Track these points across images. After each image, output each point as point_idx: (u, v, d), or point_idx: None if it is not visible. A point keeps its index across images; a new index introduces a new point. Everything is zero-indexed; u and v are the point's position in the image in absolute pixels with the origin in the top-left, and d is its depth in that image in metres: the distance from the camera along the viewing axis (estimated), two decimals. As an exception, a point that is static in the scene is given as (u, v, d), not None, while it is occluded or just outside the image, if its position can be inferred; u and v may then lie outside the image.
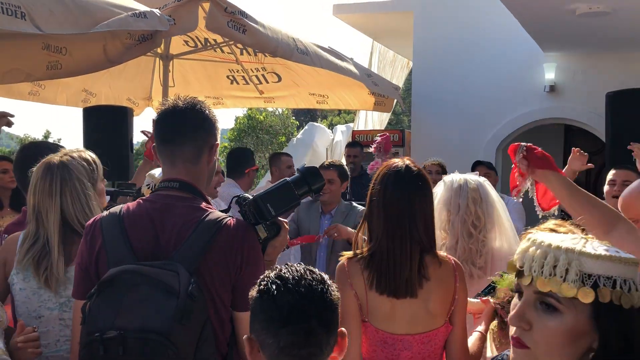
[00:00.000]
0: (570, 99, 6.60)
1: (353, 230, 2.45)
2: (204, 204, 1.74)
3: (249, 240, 1.69)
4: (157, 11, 3.15)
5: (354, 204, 3.21)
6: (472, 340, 2.06)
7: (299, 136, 12.37)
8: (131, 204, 1.75)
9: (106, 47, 3.01)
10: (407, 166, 1.97)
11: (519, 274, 1.12)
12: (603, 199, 3.74)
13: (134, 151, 5.19)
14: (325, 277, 1.27)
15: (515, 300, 1.14)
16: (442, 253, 2.01)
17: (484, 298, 2.17)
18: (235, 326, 1.68)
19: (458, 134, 6.86)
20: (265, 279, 1.26)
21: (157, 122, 1.80)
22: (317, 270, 1.29)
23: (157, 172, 2.60)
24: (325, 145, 11.18)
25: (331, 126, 14.18)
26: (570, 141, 8.49)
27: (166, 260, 1.59)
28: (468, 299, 2.07)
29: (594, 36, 5.60)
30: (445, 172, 5.19)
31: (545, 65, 6.57)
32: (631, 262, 1.05)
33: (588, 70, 6.50)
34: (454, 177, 2.70)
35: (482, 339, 2.08)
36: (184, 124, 1.75)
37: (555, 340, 1.05)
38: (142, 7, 3.09)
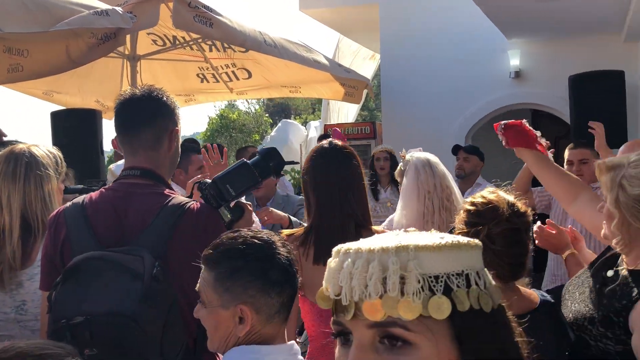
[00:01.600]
0: (536, 84, 6.74)
1: (285, 214, 2.57)
2: (166, 190, 1.76)
3: (212, 222, 1.72)
4: (119, 9, 3.15)
5: (290, 195, 3.31)
6: None
7: (272, 134, 12.41)
8: (93, 194, 1.77)
9: (69, 47, 3.00)
10: (331, 142, 2.09)
11: (337, 308, 0.73)
12: None
13: (104, 154, 5.15)
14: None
15: (337, 354, 0.76)
16: (378, 227, 2.11)
17: None
18: None
19: (428, 123, 6.95)
20: (247, 247, 1.39)
21: (116, 113, 1.81)
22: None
23: (114, 166, 2.61)
24: (300, 141, 11.23)
25: (305, 123, 14.20)
26: (538, 125, 8.66)
27: (130, 246, 1.62)
28: None
29: (555, 21, 5.73)
30: (394, 158, 5.37)
31: (509, 52, 6.70)
32: (474, 245, 0.76)
33: (551, 56, 6.64)
34: (418, 157, 2.89)
35: None
36: (141, 112, 1.77)
37: None
38: (103, 5, 3.09)
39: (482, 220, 1.69)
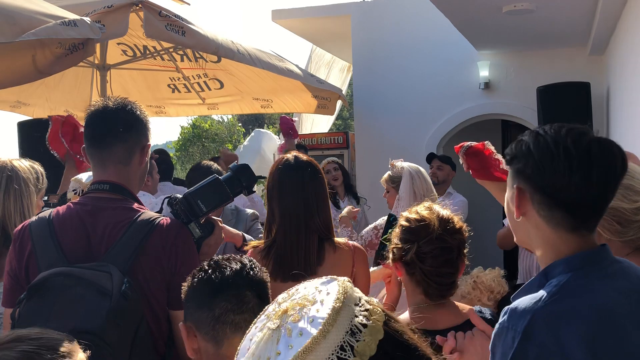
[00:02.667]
0: (505, 95, 6.86)
1: (237, 231, 2.48)
2: (135, 205, 1.73)
3: (182, 238, 1.69)
4: (87, 19, 3.10)
5: (240, 209, 3.24)
6: None
7: (245, 143, 12.32)
8: (60, 208, 1.73)
9: (35, 57, 2.94)
10: (295, 157, 2.08)
11: None
12: None
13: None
14: (253, 260, 1.40)
15: None
16: (340, 239, 2.08)
17: (385, 262, 2.26)
18: (173, 325, 1.68)
19: (400, 134, 7.01)
20: (197, 270, 1.37)
21: (87, 124, 1.78)
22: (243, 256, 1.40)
23: (84, 176, 2.56)
24: (273, 151, 11.17)
25: (279, 133, 14.17)
26: (507, 136, 8.81)
27: (99, 262, 1.58)
28: (371, 268, 2.16)
29: (522, 34, 5.85)
30: (343, 169, 5.66)
31: (479, 64, 6.81)
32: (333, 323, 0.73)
33: (520, 67, 6.77)
34: (410, 165, 3.32)
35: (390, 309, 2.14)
36: (114, 125, 1.73)
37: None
38: (71, 15, 3.04)
39: (413, 237, 1.67)
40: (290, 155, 2.09)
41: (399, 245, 1.71)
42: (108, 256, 1.60)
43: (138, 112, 1.79)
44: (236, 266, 1.34)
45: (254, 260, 1.40)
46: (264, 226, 2.11)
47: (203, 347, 1.29)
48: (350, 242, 2.08)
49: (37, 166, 2.23)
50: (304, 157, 2.09)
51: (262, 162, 10.91)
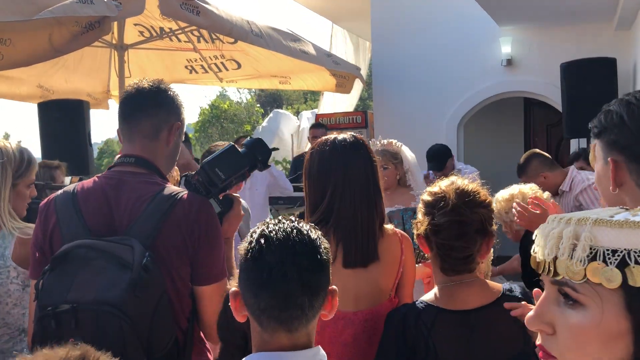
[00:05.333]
0: (527, 72, 6.72)
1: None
2: (159, 180, 1.73)
3: (205, 212, 1.69)
4: (103, -4, 3.09)
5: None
6: None
7: (264, 124, 12.34)
8: (86, 182, 1.75)
9: (52, 36, 2.93)
10: (354, 136, 1.90)
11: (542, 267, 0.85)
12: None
13: (93, 146, 5.11)
14: (315, 235, 1.19)
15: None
16: (388, 226, 1.92)
17: (425, 261, 2.21)
18: (196, 301, 1.68)
19: (420, 113, 6.92)
20: (251, 236, 1.19)
21: (120, 102, 1.80)
22: (307, 227, 1.20)
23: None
24: (291, 132, 11.17)
25: (297, 113, 14.15)
26: (529, 114, 8.66)
27: (121, 236, 1.59)
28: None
29: (546, 9, 5.70)
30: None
31: (501, 40, 6.66)
32: None
33: (543, 43, 6.61)
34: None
35: None
36: (143, 101, 1.76)
37: (581, 342, 0.78)
38: (87, -7, 3.02)
39: (429, 209, 1.65)
40: (345, 134, 1.90)
41: (420, 220, 1.69)
42: (130, 230, 1.61)
43: (170, 92, 1.80)
44: (290, 251, 1.14)
45: (315, 239, 1.18)
46: (307, 205, 1.88)
47: (251, 321, 1.20)
48: (398, 230, 1.94)
49: (27, 151, 2.19)
50: (358, 135, 1.93)
51: (280, 143, 10.92)
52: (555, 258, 0.80)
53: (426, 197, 1.70)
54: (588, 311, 0.78)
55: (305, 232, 1.18)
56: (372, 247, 1.79)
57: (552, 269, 0.80)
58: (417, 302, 1.69)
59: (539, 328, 0.84)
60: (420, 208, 1.71)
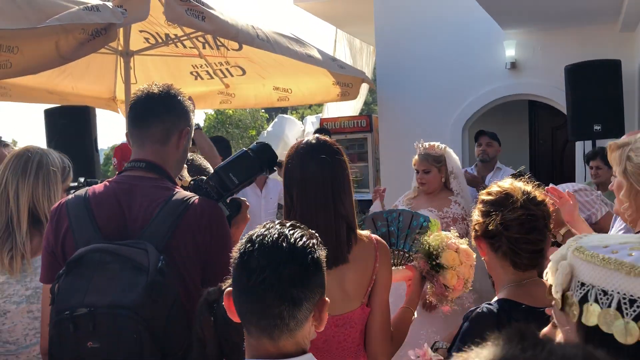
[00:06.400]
0: (532, 75, 6.71)
1: None
2: (170, 184, 1.75)
3: (217, 216, 1.70)
4: (109, 4, 3.12)
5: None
6: (397, 318, 1.96)
7: (269, 129, 12.36)
8: (97, 186, 1.76)
9: (59, 43, 2.96)
10: (317, 137, 1.87)
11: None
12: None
13: (99, 151, 5.13)
14: (305, 244, 1.13)
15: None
16: (363, 232, 1.89)
17: (409, 265, 2.21)
18: None
19: (424, 116, 6.92)
20: (243, 239, 1.17)
21: (130, 106, 1.81)
22: (298, 235, 1.14)
23: None
24: (296, 136, 11.18)
25: (302, 118, 14.17)
26: (534, 117, 8.65)
27: (135, 240, 1.60)
28: (393, 267, 2.02)
29: (549, 11, 5.70)
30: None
31: (505, 43, 6.66)
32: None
33: (547, 46, 6.60)
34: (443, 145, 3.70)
35: (408, 313, 2.00)
36: (155, 106, 1.77)
37: None
38: (93, 1, 3.05)
39: (496, 207, 1.69)
40: (312, 137, 1.91)
41: (481, 221, 1.71)
42: (143, 234, 1.62)
43: (180, 97, 1.82)
44: (274, 260, 1.09)
45: (306, 246, 1.13)
46: (283, 214, 1.90)
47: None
48: (373, 236, 1.90)
49: (66, 159, 2.32)
50: (324, 137, 1.93)
51: (285, 148, 10.92)
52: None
53: (488, 197, 1.74)
54: (560, 335, 0.79)
55: (293, 240, 1.12)
56: (334, 251, 1.71)
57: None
58: (495, 302, 1.66)
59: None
60: (480, 208, 1.75)
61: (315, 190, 1.77)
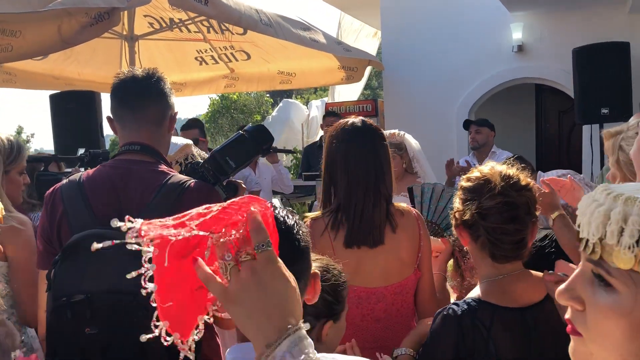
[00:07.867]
0: (539, 58, 6.64)
1: None
2: (165, 168, 1.74)
3: (213, 200, 1.69)
4: (112, -13, 3.10)
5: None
6: (437, 282, 2.08)
7: (274, 114, 12.34)
8: (91, 170, 1.75)
9: (61, 27, 2.95)
10: (362, 120, 1.98)
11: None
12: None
13: (104, 137, 5.12)
14: (292, 222, 1.14)
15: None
16: (402, 204, 2.02)
17: (444, 238, 2.26)
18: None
19: (430, 100, 6.88)
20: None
21: (116, 89, 1.78)
22: (284, 213, 1.15)
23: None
24: (301, 121, 11.17)
25: (307, 103, 14.12)
26: (541, 100, 8.57)
27: None
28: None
29: (558, -7, 5.63)
30: None
31: (512, 25, 6.59)
32: None
33: (555, 28, 6.53)
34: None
35: (442, 279, 2.14)
36: (148, 88, 1.75)
37: (608, 326, 0.73)
38: (96, -15, 3.03)
39: (473, 194, 1.56)
40: (354, 119, 1.97)
41: (460, 208, 1.59)
42: (140, 218, 1.61)
43: (166, 81, 1.81)
44: None
45: (294, 226, 1.13)
46: (322, 194, 1.98)
47: None
48: (412, 208, 2.06)
49: (14, 139, 2.22)
50: (369, 122, 1.99)
51: (291, 133, 10.92)
52: (601, 239, 0.72)
53: (466, 183, 1.61)
54: (621, 297, 0.72)
55: (281, 218, 1.12)
56: (379, 229, 1.89)
57: (597, 250, 0.73)
58: (467, 300, 1.59)
59: (568, 303, 0.79)
60: (459, 195, 1.63)
61: (359, 170, 1.89)
